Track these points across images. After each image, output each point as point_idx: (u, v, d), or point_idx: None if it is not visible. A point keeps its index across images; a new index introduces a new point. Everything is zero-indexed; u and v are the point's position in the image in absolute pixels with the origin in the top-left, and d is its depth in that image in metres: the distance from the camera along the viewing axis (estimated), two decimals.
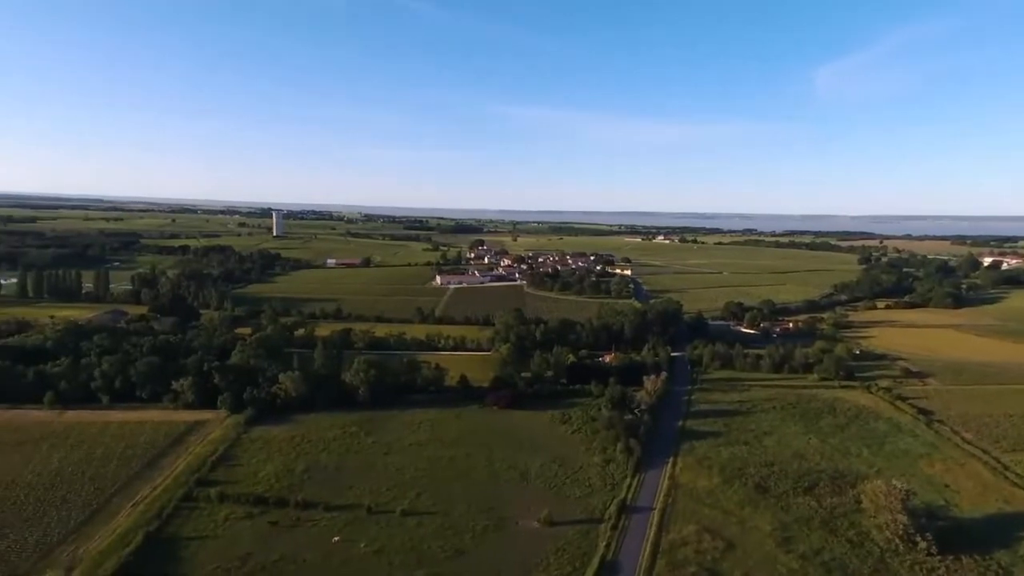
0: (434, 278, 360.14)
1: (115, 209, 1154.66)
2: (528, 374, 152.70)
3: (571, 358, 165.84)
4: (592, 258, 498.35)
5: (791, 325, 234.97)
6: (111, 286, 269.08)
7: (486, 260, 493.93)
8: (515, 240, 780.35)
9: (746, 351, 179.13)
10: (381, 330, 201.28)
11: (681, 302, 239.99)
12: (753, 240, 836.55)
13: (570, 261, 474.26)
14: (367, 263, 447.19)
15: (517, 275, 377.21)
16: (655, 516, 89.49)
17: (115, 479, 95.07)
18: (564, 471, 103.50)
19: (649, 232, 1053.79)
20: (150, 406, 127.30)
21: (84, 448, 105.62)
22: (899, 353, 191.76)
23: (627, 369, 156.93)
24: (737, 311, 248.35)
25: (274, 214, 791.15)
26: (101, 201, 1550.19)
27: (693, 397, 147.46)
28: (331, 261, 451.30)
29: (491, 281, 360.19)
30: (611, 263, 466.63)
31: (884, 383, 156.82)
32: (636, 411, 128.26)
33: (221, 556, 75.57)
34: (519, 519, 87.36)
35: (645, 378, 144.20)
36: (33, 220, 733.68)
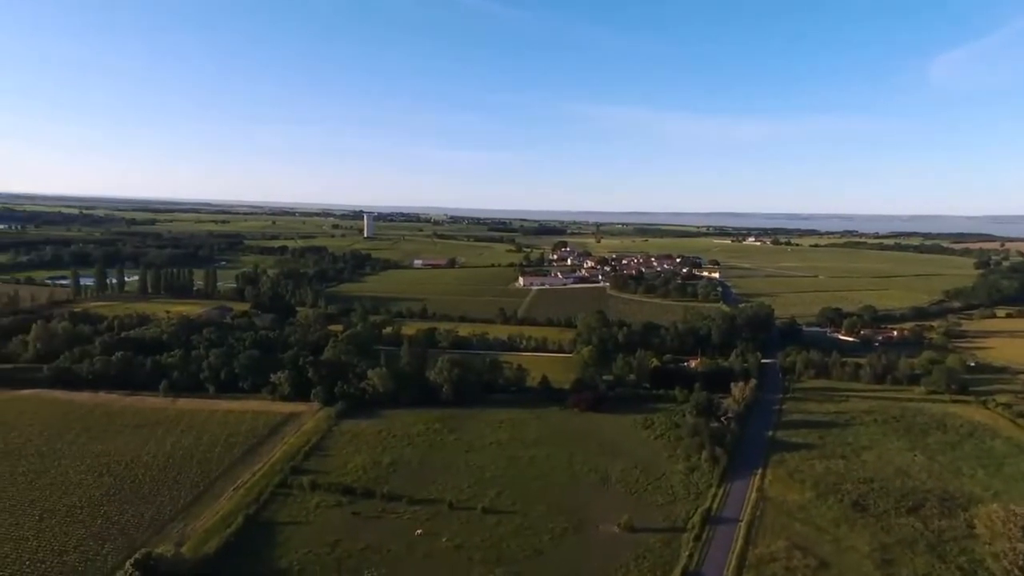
0: (517, 279, 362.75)
1: (223, 212, 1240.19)
2: (610, 377, 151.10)
3: (655, 362, 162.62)
4: (678, 260, 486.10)
5: (895, 333, 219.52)
6: (218, 284, 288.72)
7: (569, 262, 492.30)
8: (598, 242, 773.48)
9: (844, 360, 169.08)
10: (464, 330, 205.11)
11: (773, 307, 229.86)
12: (853, 242, 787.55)
13: (655, 263, 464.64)
14: (452, 264, 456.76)
15: (600, 277, 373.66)
16: (741, 529, 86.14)
17: (219, 464, 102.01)
18: (645, 477, 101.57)
19: (739, 233, 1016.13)
20: (251, 396, 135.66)
21: (193, 433, 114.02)
22: (1022, 367, 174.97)
23: (713, 375, 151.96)
24: (834, 317, 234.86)
25: (365, 216, 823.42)
26: (210, 205, 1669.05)
27: (784, 406, 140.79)
28: (418, 262, 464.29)
29: (573, 283, 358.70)
30: (698, 265, 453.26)
31: (1003, 398, 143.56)
32: (722, 419, 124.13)
33: (312, 542, 79.44)
34: (599, 523, 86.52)
35: (733, 385, 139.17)
36: (153, 223, 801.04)
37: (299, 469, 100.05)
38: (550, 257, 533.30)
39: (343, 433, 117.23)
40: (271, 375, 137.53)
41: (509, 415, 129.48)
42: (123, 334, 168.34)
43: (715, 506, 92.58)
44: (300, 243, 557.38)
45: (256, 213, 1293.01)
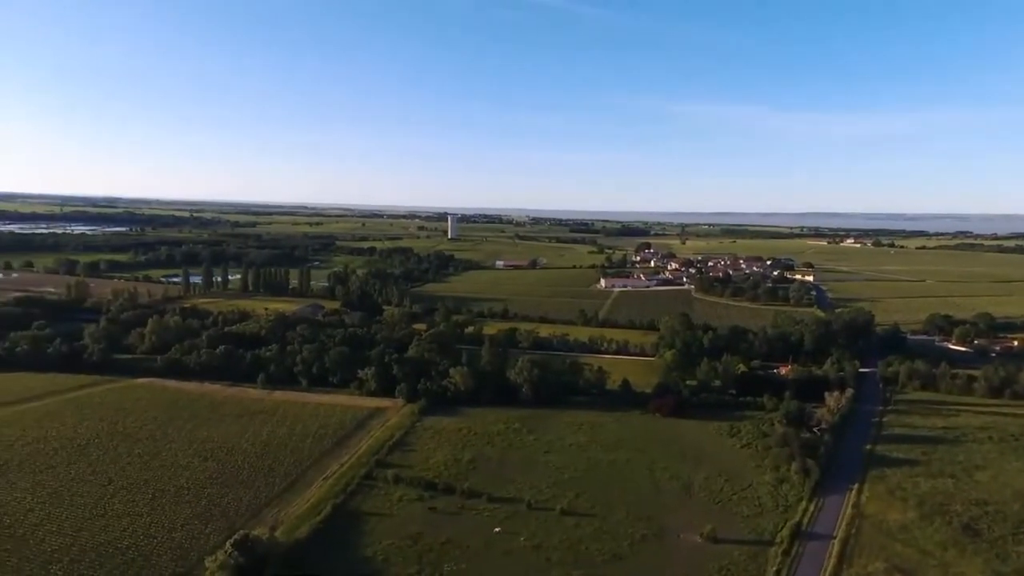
0: (598, 281, 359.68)
1: (316, 215, 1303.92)
2: (694, 382, 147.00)
3: (742, 368, 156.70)
4: (768, 262, 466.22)
5: (1015, 344, 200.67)
6: (311, 283, 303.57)
7: (652, 263, 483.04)
8: (683, 243, 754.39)
9: (954, 371, 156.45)
10: (545, 330, 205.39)
11: (873, 312, 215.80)
12: (967, 244, 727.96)
13: (743, 265, 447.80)
14: (533, 265, 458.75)
15: (685, 279, 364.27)
16: (835, 546, 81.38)
17: (310, 454, 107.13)
18: (731, 486, 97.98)
19: (836, 235, 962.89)
20: (340, 391, 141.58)
21: (287, 424, 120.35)
22: None
23: (806, 383, 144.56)
24: (944, 325, 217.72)
25: (449, 218, 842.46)
26: (305, 208, 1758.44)
27: (885, 419, 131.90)
28: (500, 262, 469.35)
29: (657, 285, 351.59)
30: (790, 268, 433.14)
31: None
32: (815, 429, 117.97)
33: (395, 533, 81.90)
34: (680, 531, 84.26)
35: (827, 394, 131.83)
36: (254, 225, 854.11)
37: (383, 462, 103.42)
38: (632, 258, 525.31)
39: (425, 429, 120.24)
40: (359, 371, 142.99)
41: (589, 417, 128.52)
42: (226, 329, 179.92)
43: (805, 521, 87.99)
44: (387, 244, 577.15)
45: (347, 216, 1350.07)
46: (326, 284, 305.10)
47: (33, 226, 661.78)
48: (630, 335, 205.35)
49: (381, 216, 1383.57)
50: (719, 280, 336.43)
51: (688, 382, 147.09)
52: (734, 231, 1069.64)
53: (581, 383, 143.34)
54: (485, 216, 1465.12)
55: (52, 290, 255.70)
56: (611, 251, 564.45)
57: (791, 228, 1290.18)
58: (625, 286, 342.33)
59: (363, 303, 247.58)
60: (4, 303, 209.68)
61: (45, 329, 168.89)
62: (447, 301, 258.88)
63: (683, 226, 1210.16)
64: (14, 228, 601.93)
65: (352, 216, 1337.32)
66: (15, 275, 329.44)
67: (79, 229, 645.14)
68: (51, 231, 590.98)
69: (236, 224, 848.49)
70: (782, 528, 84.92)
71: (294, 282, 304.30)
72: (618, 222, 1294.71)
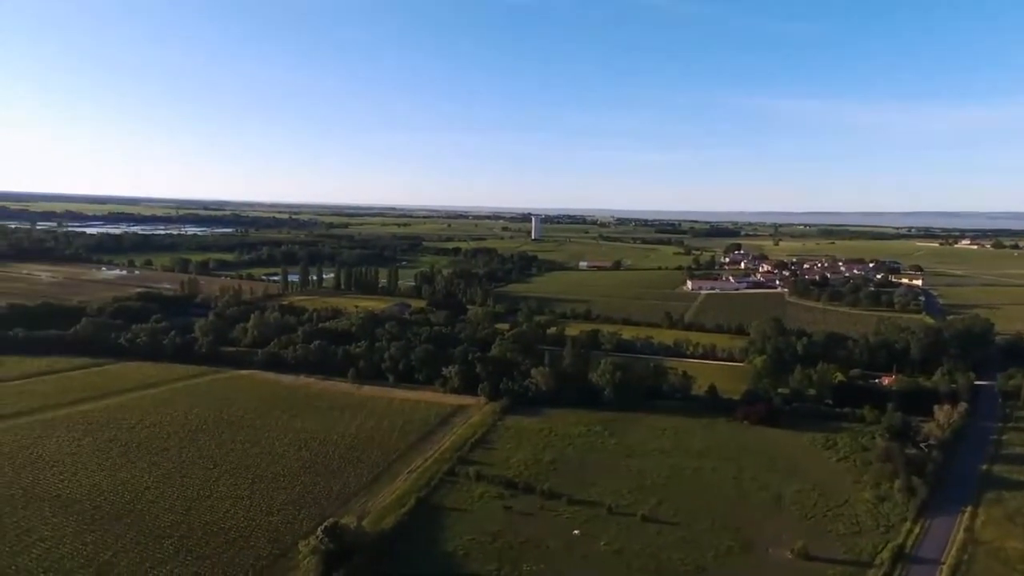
0: (685, 283, 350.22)
1: (404, 216, 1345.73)
2: (785, 390, 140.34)
3: (839, 377, 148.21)
4: (871, 265, 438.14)
5: None
6: (399, 282, 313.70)
7: (742, 265, 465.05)
8: (776, 244, 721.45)
9: None
10: (628, 333, 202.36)
11: (991, 320, 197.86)
12: None
13: (842, 268, 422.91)
14: (617, 266, 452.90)
15: (777, 282, 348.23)
16: (943, 572, 75.43)
17: (396, 448, 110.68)
18: (825, 502, 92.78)
19: (950, 235, 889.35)
20: (424, 387, 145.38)
21: (375, 419, 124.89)
22: None
23: (911, 395, 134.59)
24: None
25: (533, 219, 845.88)
26: (394, 210, 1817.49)
27: (1004, 437, 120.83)
28: (583, 263, 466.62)
29: (747, 287, 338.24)
30: (896, 271, 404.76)
31: None
32: (922, 445, 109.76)
33: (475, 530, 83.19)
34: (769, 546, 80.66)
35: (936, 408, 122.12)
36: (346, 226, 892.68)
37: (465, 459, 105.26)
38: (721, 260, 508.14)
39: (507, 428, 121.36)
40: (443, 368, 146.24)
41: (672, 422, 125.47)
42: (320, 325, 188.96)
43: (909, 543, 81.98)
44: (472, 245, 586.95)
45: (433, 217, 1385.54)
46: (413, 283, 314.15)
47: (153, 227, 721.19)
48: (717, 339, 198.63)
49: (466, 217, 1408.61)
50: (815, 283, 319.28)
51: (780, 390, 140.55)
52: (832, 231, 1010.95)
53: (665, 387, 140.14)
54: (569, 217, 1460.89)
55: (168, 286, 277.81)
56: (698, 252, 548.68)
57: (897, 228, 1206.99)
58: (713, 288, 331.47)
59: (448, 302, 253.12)
60: (128, 298, 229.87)
61: (161, 322, 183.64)
62: (530, 301, 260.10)
63: (776, 226, 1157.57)
64: (137, 229, 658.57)
65: (438, 217, 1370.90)
66: (137, 272, 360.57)
67: (192, 230, 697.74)
68: (168, 232, 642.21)
69: (330, 225, 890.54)
70: (882, 549, 79.56)
71: (383, 281, 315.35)
72: (706, 223, 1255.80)
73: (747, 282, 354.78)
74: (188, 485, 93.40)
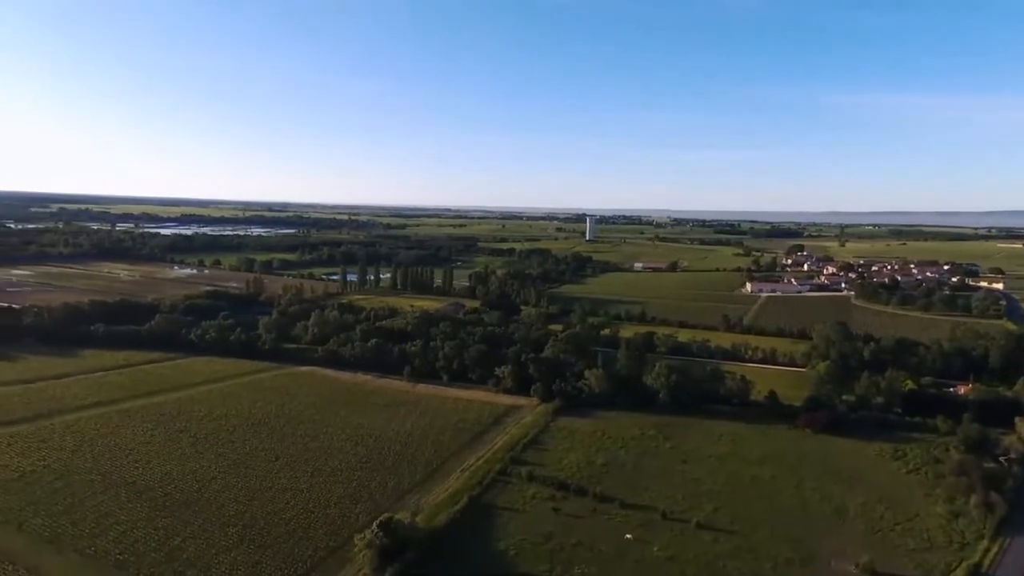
0: (744, 285, 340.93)
1: (460, 217, 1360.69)
2: (850, 398, 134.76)
3: (909, 384, 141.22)
4: (946, 267, 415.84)
5: None
6: (454, 282, 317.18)
7: (805, 267, 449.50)
8: (842, 245, 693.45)
9: None
10: (684, 335, 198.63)
11: None
12: None
13: (914, 270, 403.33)
14: (674, 267, 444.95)
15: (843, 285, 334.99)
16: None
17: (449, 446, 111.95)
18: (892, 515, 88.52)
19: None
20: (478, 387, 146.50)
21: (429, 417, 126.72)
22: None
23: (990, 405, 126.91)
24: None
25: (587, 219, 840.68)
26: (449, 210, 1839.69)
27: None
28: (638, 265, 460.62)
29: (810, 290, 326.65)
30: (973, 274, 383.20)
31: None
32: (1001, 459, 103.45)
33: (526, 530, 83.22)
34: (832, 559, 77.53)
35: (1018, 419, 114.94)
36: (403, 227, 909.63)
37: (518, 460, 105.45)
38: (783, 262, 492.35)
39: (559, 430, 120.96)
40: (496, 368, 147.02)
41: (730, 428, 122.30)
42: (377, 324, 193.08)
43: (986, 562, 77.30)
44: (526, 245, 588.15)
45: (488, 217, 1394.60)
46: (467, 284, 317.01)
47: (221, 229, 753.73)
48: (778, 343, 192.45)
49: (520, 218, 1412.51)
50: (884, 286, 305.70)
51: (844, 397, 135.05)
52: (903, 232, 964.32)
53: (722, 392, 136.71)
54: (624, 217, 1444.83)
55: (234, 285, 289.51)
56: (759, 254, 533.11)
57: (975, 228, 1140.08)
58: (774, 291, 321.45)
59: (502, 303, 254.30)
60: (198, 296, 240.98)
61: (228, 319, 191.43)
62: (583, 303, 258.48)
63: (842, 227, 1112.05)
64: (207, 230, 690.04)
65: (493, 218, 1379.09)
66: (206, 271, 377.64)
67: (257, 231, 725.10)
68: (235, 233, 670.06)
69: (388, 226, 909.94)
70: (956, 567, 75.35)
71: (438, 281, 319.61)
72: (767, 223, 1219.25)
73: (810, 285, 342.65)
74: (251, 476, 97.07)
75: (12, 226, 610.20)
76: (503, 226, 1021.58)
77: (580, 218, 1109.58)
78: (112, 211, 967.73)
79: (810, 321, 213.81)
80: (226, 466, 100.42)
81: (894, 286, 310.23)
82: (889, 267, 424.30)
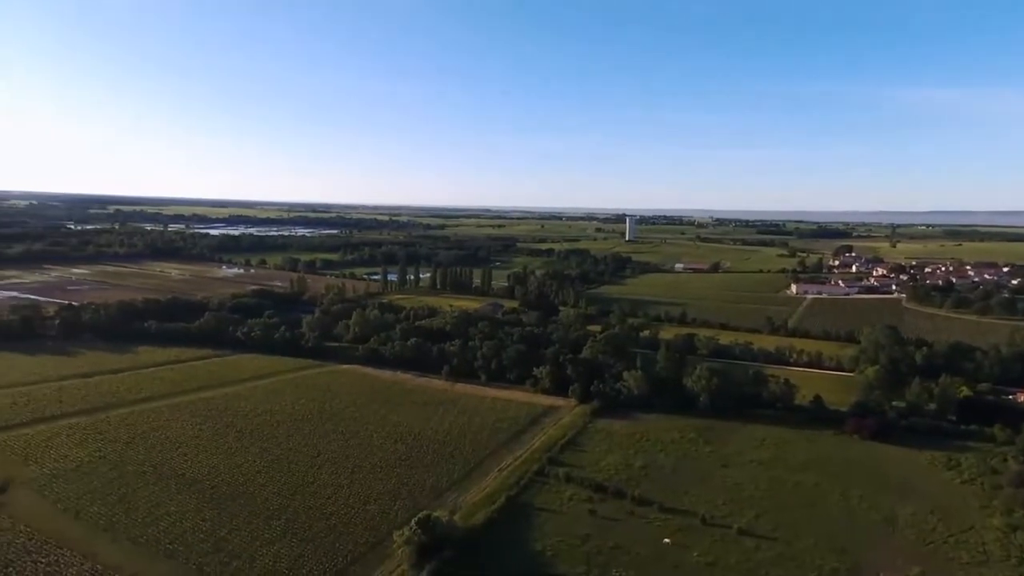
0: (789, 286, 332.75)
1: (498, 217, 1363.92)
2: (901, 404, 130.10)
3: (964, 391, 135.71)
4: (1005, 269, 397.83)
5: None
6: (492, 282, 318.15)
7: (853, 268, 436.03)
8: (893, 246, 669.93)
9: None
10: (726, 337, 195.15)
11: None
12: None
13: (971, 272, 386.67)
14: (715, 268, 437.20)
15: (894, 287, 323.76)
16: None
17: (487, 445, 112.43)
18: (945, 527, 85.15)
19: None
20: (515, 387, 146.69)
21: (467, 416, 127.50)
22: None
23: None
24: None
25: (627, 220, 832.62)
26: (488, 211, 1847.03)
27: None
28: (679, 265, 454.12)
29: (858, 292, 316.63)
30: None
31: None
32: None
33: (563, 531, 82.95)
34: (880, 570, 75.05)
35: None
36: (443, 227, 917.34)
37: (555, 460, 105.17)
38: (830, 263, 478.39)
39: (597, 431, 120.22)
40: (534, 369, 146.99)
41: (772, 433, 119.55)
42: (416, 323, 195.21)
43: None
44: (565, 246, 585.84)
45: (527, 218, 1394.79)
46: (506, 284, 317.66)
47: (267, 229, 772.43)
48: (824, 347, 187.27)
49: (559, 218, 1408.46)
50: (938, 289, 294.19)
51: (894, 403, 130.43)
52: (959, 232, 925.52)
53: (765, 395, 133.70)
54: (665, 217, 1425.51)
55: (279, 284, 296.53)
56: (804, 255, 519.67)
57: None
58: (820, 293, 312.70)
59: (540, 303, 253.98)
60: (244, 294, 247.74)
61: (273, 318, 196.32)
62: (622, 303, 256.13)
63: (893, 227, 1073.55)
64: (253, 231, 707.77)
65: (532, 218, 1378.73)
66: (252, 270, 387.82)
67: (301, 232, 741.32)
68: (280, 233, 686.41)
69: (428, 227, 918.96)
70: None
71: (477, 281, 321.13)
72: (813, 223, 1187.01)
73: (859, 286, 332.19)
74: (294, 471, 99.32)
75: (72, 227, 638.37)
76: (542, 226, 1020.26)
77: (620, 218, 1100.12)
78: (164, 212, 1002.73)
79: (858, 324, 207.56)
80: (270, 461, 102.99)
81: (948, 288, 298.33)
82: (943, 268, 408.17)
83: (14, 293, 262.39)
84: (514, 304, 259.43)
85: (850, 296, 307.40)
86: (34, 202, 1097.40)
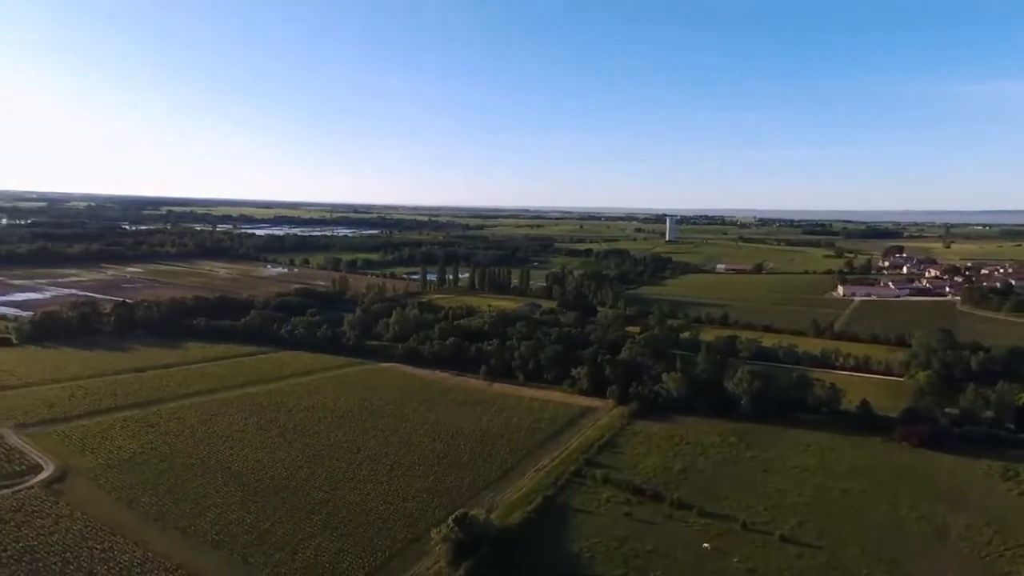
0: (835, 288, 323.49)
1: (537, 218, 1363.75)
2: (954, 411, 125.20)
3: (1023, 398, 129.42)
4: None
5: None
6: (530, 283, 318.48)
7: (904, 270, 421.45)
8: (947, 247, 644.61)
9: None
10: (769, 340, 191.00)
11: None
12: None
13: None
14: (759, 269, 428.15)
15: (948, 289, 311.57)
16: None
17: (524, 445, 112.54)
18: (1002, 540, 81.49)
19: None
20: (553, 387, 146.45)
21: (504, 415, 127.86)
22: None
23: None
24: None
25: (667, 220, 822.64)
26: (527, 211, 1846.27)
27: None
28: (720, 266, 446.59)
29: (909, 295, 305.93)
30: None
31: None
32: None
33: (601, 533, 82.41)
34: None
35: None
36: (481, 228, 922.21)
37: (592, 462, 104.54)
38: (879, 264, 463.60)
39: (635, 433, 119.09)
40: (572, 369, 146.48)
41: (817, 439, 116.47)
42: (455, 323, 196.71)
43: None
44: (604, 246, 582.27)
45: (566, 218, 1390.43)
46: (544, 284, 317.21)
47: (310, 229, 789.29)
48: (872, 351, 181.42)
49: (598, 218, 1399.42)
50: (996, 291, 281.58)
51: (947, 410, 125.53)
52: (1018, 232, 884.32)
53: (810, 400, 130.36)
54: (706, 217, 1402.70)
55: (321, 283, 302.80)
56: (852, 255, 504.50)
57: None
58: (868, 295, 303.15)
59: (578, 303, 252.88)
60: (288, 293, 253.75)
61: (315, 316, 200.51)
62: (662, 304, 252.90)
63: (947, 227, 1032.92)
64: (297, 231, 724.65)
65: (570, 218, 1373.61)
66: (296, 270, 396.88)
67: (343, 232, 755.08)
68: (323, 234, 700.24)
69: (466, 227, 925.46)
70: None
71: (515, 281, 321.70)
72: (862, 223, 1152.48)
73: (910, 289, 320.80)
74: (335, 467, 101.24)
75: (127, 227, 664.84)
76: (581, 227, 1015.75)
77: (660, 219, 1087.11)
78: (213, 213, 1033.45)
79: (909, 327, 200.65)
80: (311, 456, 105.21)
81: (1007, 291, 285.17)
82: (1001, 270, 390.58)
83: (73, 291, 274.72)
84: (552, 304, 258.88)
85: (901, 298, 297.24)
86: (92, 204, 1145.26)
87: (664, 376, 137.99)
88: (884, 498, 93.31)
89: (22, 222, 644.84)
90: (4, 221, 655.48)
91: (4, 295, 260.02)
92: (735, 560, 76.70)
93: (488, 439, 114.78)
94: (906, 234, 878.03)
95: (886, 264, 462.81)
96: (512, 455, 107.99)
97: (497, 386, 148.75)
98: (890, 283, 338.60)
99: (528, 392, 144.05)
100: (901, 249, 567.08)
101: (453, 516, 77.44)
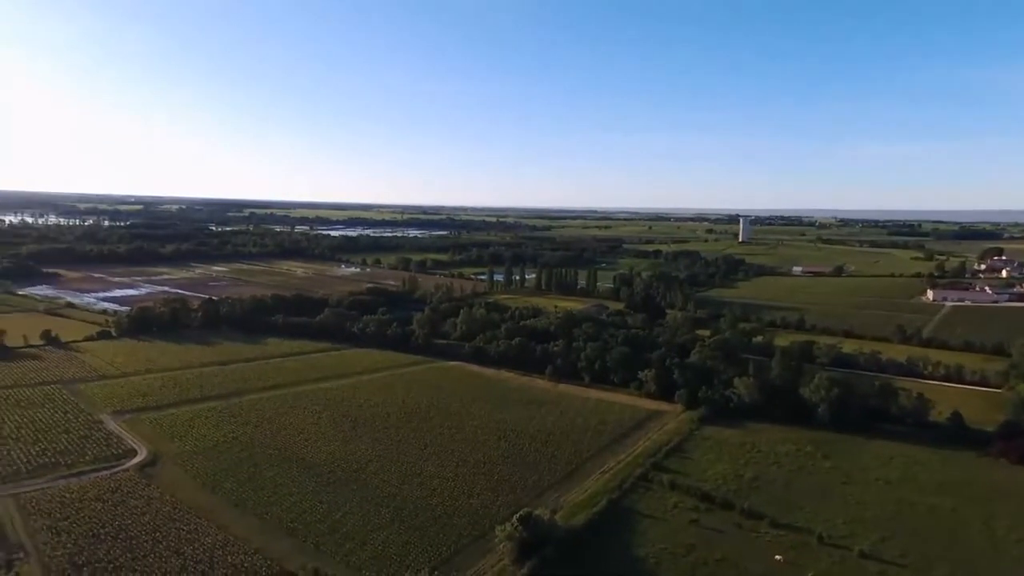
0: (924, 292, 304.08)
1: (605, 219, 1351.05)
2: None
3: None
4: None
5: None
6: (598, 284, 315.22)
7: (1004, 273, 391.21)
8: None
9: None
10: (849, 346, 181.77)
11: None
12: None
13: None
14: (838, 272, 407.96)
15: None
16: None
17: (589, 447, 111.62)
18: None
19: None
20: (619, 390, 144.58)
21: (569, 416, 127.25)
22: None
23: None
24: None
25: (741, 220, 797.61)
26: (595, 212, 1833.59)
27: None
28: (797, 268, 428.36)
29: (1009, 300, 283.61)
30: None
31: None
32: None
33: (667, 540, 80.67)
34: None
35: None
36: (548, 228, 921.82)
37: (659, 466, 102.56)
38: (975, 267, 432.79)
39: (704, 439, 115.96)
40: (639, 372, 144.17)
41: (902, 451, 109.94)
42: (521, 323, 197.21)
43: None
44: (673, 247, 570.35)
45: (634, 219, 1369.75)
46: (611, 285, 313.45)
47: (382, 231, 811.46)
48: (965, 359, 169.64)
49: (668, 219, 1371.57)
50: None
51: None
52: None
53: (894, 409, 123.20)
54: (782, 218, 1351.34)
55: (392, 283, 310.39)
56: (944, 258, 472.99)
57: None
58: (962, 300, 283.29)
59: (646, 305, 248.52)
60: (360, 292, 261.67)
61: (386, 315, 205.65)
62: (734, 307, 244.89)
63: None
64: (370, 232, 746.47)
65: (639, 219, 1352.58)
66: (368, 270, 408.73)
67: (413, 233, 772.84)
68: (394, 235, 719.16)
69: (533, 228, 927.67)
70: None
71: (582, 282, 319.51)
72: (954, 223, 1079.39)
73: (1010, 294, 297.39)
74: (403, 462, 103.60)
75: (213, 228, 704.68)
76: (649, 227, 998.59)
77: (733, 219, 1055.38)
78: (292, 215, 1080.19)
79: (1008, 335, 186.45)
80: (381, 450, 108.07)
81: None
82: None
83: (165, 288, 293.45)
84: (619, 306, 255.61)
85: (999, 304, 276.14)
86: (182, 207, 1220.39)
87: (736, 381, 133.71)
88: (978, 517, 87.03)
89: (122, 224, 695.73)
90: (107, 223, 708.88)
91: (106, 291, 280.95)
92: (809, 574, 73.39)
93: (553, 439, 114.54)
94: (1006, 235, 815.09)
95: (982, 267, 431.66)
96: (577, 456, 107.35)
97: (563, 387, 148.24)
98: (987, 287, 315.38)
99: (594, 394, 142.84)
100: (1000, 251, 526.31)
101: (518, 515, 77.69)
